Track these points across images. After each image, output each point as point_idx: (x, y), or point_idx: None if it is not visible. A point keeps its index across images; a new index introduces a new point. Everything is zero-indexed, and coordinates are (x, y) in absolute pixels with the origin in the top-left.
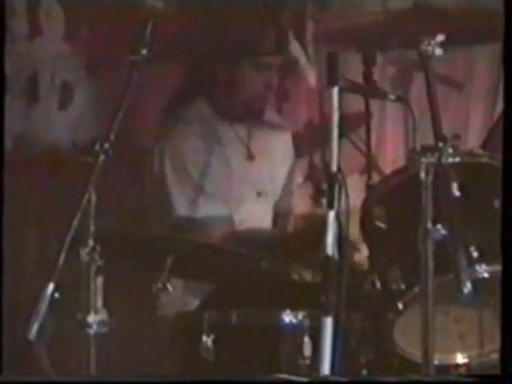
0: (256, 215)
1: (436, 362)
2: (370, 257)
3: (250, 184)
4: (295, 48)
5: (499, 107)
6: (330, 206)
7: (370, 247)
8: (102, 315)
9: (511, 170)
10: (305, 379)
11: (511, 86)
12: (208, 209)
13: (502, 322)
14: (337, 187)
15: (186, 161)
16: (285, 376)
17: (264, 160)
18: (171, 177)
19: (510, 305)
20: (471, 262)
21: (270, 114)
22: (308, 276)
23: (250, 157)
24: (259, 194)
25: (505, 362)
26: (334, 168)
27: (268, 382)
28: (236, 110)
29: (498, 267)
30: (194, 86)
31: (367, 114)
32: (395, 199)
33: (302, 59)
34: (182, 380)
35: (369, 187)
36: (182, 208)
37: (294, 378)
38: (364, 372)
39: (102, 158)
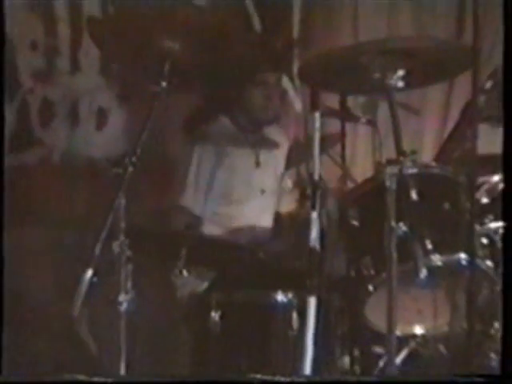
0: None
1: (398, 333)
2: (346, 248)
3: (257, 185)
4: (285, 81)
5: (448, 128)
6: (313, 207)
7: (345, 241)
8: (131, 295)
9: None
10: (304, 379)
11: (511, 86)
12: (218, 208)
13: (502, 322)
14: (318, 193)
15: (204, 168)
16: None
17: (268, 166)
18: (190, 183)
19: (510, 305)
20: (426, 253)
21: (276, 134)
22: (296, 264)
23: (258, 163)
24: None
25: (505, 362)
26: (316, 177)
27: (267, 381)
28: (249, 123)
29: (448, 257)
30: (215, 106)
31: (342, 134)
32: (366, 202)
33: (291, 91)
34: (182, 380)
35: (344, 193)
36: (196, 209)
37: (295, 378)
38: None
39: (130, 169)
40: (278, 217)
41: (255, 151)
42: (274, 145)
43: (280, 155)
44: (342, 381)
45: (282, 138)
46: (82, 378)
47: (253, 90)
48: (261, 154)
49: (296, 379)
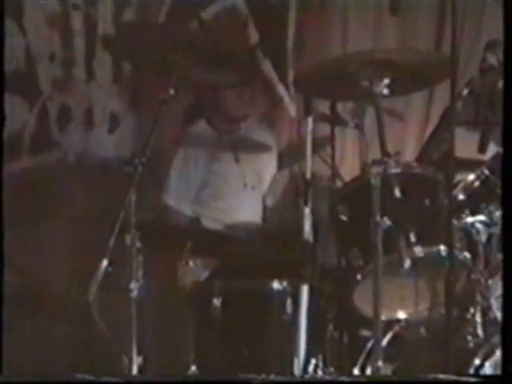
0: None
1: (383, 318)
2: (336, 241)
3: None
4: (281, 89)
5: (429, 132)
6: (306, 203)
7: (335, 234)
8: (141, 283)
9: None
10: (303, 379)
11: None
12: (208, 203)
13: (502, 322)
14: (310, 190)
15: (189, 168)
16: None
17: (249, 162)
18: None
19: (510, 305)
20: (409, 245)
21: (262, 135)
22: (291, 255)
23: (237, 160)
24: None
25: (505, 362)
26: (309, 176)
27: (265, 381)
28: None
29: (429, 248)
30: (195, 111)
31: (332, 137)
32: (353, 199)
33: (286, 97)
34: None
35: (334, 190)
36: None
37: (294, 379)
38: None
39: (139, 168)
40: (272, 211)
41: (233, 149)
42: (254, 145)
43: (270, 155)
44: (339, 381)
45: (272, 140)
46: (90, 378)
47: (225, 91)
48: (240, 151)
49: (295, 379)
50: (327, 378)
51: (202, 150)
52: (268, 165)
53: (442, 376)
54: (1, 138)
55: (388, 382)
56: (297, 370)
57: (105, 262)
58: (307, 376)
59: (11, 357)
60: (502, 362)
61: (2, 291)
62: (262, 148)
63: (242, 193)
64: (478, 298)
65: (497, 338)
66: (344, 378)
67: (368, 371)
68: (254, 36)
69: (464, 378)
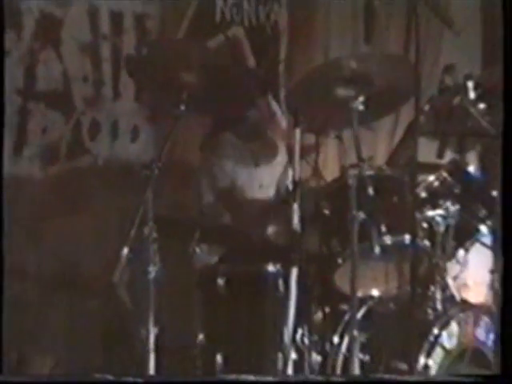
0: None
1: (359, 295)
2: (320, 231)
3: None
4: (274, 105)
5: (396, 141)
6: (294, 200)
7: (319, 225)
8: (157, 267)
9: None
10: (303, 379)
11: (510, 89)
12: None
13: (501, 322)
14: (298, 189)
15: (216, 170)
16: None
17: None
18: (204, 180)
19: (510, 305)
20: (380, 235)
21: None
22: (283, 241)
23: (257, 164)
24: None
25: (505, 362)
26: (297, 177)
27: (265, 382)
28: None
29: (396, 237)
30: (222, 125)
31: (316, 145)
32: (334, 196)
33: (278, 112)
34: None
35: (318, 189)
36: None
37: (294, 379)
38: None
39: (156, 172)
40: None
41: (254, 156)
42: (271, 150)
43: (278, 160)
44: (335, 381)
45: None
46: (110, 378)
47: (250, 112)
48: (260, 157)
49: (295, 379)
50: (328, 378)
51: (228, 156)
52: (277, 168)
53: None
54: (1, 138)
55: (387, 382)
56: (287, 337)
57: (127, 250)
58: (296, 344)
59: (48, 329)
60: (501, 362)
61: (2, 291)
62: (274, 153)
63: (257, 193)
64: (437, 278)
65: (452, 312)
66: (344, 378)
67: (346, 339)
68: (251, 60)
69: (464, 378)
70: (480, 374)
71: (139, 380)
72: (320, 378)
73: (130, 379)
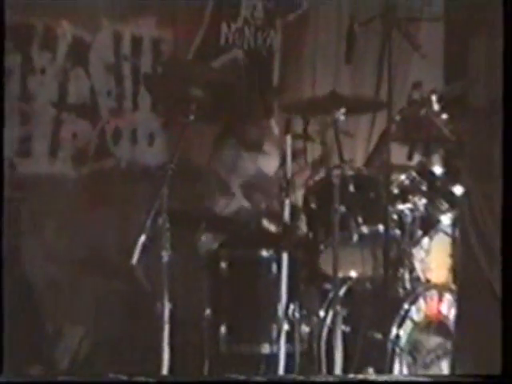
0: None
1: (340, 275)
2: (307, 222)
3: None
4: (268, 117)
5: (372, 145)
6: (287, 195)
7: (307, 217)
8: (169, 252)
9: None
10: (302, 378)
11: (511, 87)
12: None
13: (502, 322)
14: (290, 186)
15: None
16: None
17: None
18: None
19: (510, 305)
20: (358, 225)
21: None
22: (275, 230)
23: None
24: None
25: (505, 362)
26: (289, 175)
27: (265, 381)
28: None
29: (372, 227)
30: (227, 131)
31: (304, 149)
32: (320, 193)
33: (273, 123)
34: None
35: (306, 186)
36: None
37: (294, 378)
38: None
39: (169, 172)
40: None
41: (254, 161)
42: (267, 157)
43: (273, 165)
44: (336, 381)
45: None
46: (122, 378)
47: (250, 123)
48: (258, 160)
49: (295, 379)
50: (328, 378)
51: (231, 159)
52: (271, 169)
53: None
54: (1, 138)
55: (390, 382)
56: (280, 311)
57: (144, 237)
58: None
59: (78, 304)
60: (502, 362)
61: (3, 290)
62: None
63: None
64: (406, 262)
65: (419, 290)
66: (343, 379)
67: (330, 313)
68: (249, 80)
69: (464, 378)
70: (480, 374)
71: (151, 380)
72: (313, 379)
73: (142, 379)
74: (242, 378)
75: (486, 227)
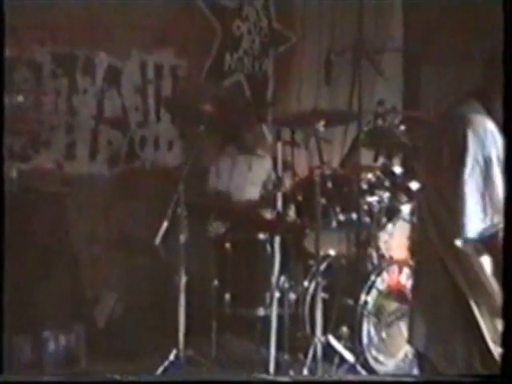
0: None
1: (321, 254)
2: (295, 211)
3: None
4: (264, 127)
5: (346, 149)
6: (278, 190)
7: (295, 208)
8: (186, 236)
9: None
10: (303, 379)
11: (511, 87)
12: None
13: (503, 322)
14: (280, 183)
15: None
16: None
17: (256, 170)
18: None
19: (511, 305)
20: (336, 214)
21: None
22: (269, 218)
23: (250, 168)
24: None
25: (505, 362)
26: (279, 174)
27: (265, 381)
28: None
29: (347, 215)
30: (227, 141)
31: (292, 154)
32: (305, 188)
33: (266, 131)
34: (187, 380)
35: (294, 183)
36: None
37: (294, 379)
38: (292, 259)
39: (185, 171)
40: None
41: (248, 162)
42: (261, 159)
43: (265, 165)
44: (336, 381)
45: (267, 156)
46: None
47: (249, 133)
48: (252, 163)
49: (295, 379)
50: (326, 378)
51: (230, 160)
52: (264, 171)
53: (441, 376)
54: (0, 139)
55: (391, 382)
56: (273, 282)
57: (166, 223)
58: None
59: (113, 275)
60: (502, 362)
61: (2, 289)
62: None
63: (249, 187)
64: (373, 243)
65: (384, 265)
66: (344, 379)
67: (313, 284)
68: (248, 97)
69: (464, 378)
70: (480, 374)
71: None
72: (309, 379)
73: (136, 379)
74: (241, 378)
75: (439, 214)
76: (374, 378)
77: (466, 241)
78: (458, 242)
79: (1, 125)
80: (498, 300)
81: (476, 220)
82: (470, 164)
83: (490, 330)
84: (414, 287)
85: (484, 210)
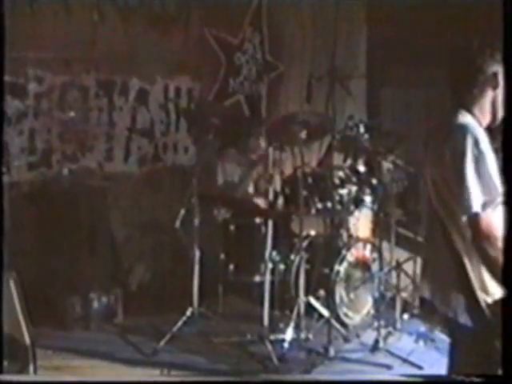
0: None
1: (304, 234)
2: (284, 201)
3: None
4: (259, 137)
5: (322, 153)
6: (270, 185)
7: (284, 199)
8: (198, 221)
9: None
10: (305, 379)
11: (511, 87)
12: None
13: (503, 322)
14: (271, 180)
15: (227, 168)
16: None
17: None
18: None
19: (510, 305)
20: (315, 203)
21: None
22: (264, 206)
23: (248, 167)
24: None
25: (505, 362)
26: (271, 172)
27: (266, 381)
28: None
29: (324, 204)
30: (230, 145)
31: (280, 158)
32: (290, 183)
33: (261, 140)
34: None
35: (282, 180)
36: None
37: (294, 379)
38: (281, 238)
39: (197, 170)
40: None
41: (247, 163)
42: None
43: (259, 166)
44: (336, 381)
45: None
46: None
47: (247, 140)
48: (250, 164)
49: (295, 379)
50: (327, 378)
51: (232, 161)
52: (259, 169)
53: (441, 376)
54: (1, 138)
55: (391, 382)
56: (266, 256)
57: (183, 210)
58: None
59: (142, 251)
60: (502, 362)
61: (3, 287)
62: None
63: (247, 181)
64: (344, 225)
65: (352, 242)
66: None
67: (297, 257)
68: (247, 112)
69: (464, 378)
70: (480, 374)
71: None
72: (307, 379)
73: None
74: (242, 378)
75: (447, 200)
76: (374, 379)
77: (470, 215)
78: (464, 218)
79: (1, 125)
80: (485, 260)
81: (477, 197)
82: (469, 158)
83: (478, 281)
84: (424, 256)
85: (482, 191)
